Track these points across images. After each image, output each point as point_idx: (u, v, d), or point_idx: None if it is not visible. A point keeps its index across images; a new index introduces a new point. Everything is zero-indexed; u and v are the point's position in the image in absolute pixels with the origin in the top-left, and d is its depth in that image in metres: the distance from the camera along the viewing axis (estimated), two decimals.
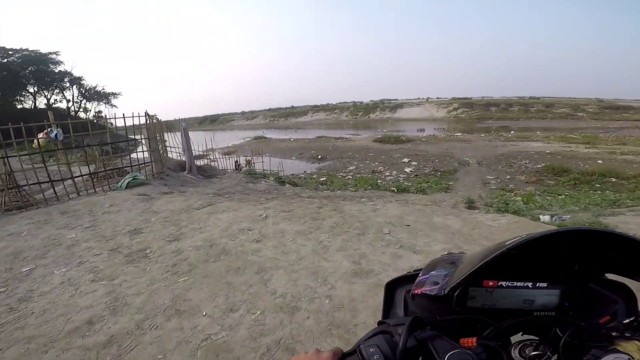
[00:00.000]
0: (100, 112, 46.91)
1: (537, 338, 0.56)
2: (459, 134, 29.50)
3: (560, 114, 53.39)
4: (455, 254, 0.71)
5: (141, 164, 8.38)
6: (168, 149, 13.07)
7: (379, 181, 12.52)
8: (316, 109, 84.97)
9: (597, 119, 48.42)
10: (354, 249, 3.69)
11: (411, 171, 14.74)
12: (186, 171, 10.38)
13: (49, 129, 7.12)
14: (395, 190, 10.24)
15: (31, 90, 42.57)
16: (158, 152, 8.52)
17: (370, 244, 3.81)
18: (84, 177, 7.15)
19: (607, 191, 10.02)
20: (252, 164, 14.59)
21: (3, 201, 6.42)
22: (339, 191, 10.10)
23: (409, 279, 0.69)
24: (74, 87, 45.05)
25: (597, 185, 10.96)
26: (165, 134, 12.07)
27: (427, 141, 23.52)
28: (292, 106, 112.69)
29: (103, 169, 8.07)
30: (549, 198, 9.39)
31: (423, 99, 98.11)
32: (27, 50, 40.52)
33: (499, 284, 0.55)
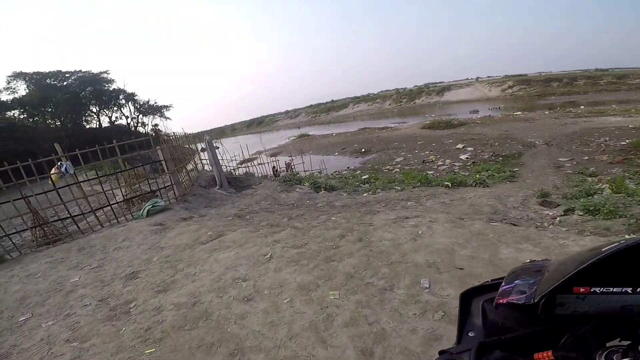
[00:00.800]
0: (156, 125, 49.98)
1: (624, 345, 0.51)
2: (519, 112, 26.37)
3: (637, 85, 46.12)
4: (539, 261, 0.70)
5: (165, 187, 8.04)
6: (205, 162, 13.11)
7: (429, 173, 11.22)
8: (356, 100, 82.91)
9: None
10: (369, 322, 2.52)
11: (467, 158, 13.17)
12: (217, 187, 10.02)
13: (59, 163, 6.95)
14: (450, 184, 8.92)
15: (94, 109, 46.48)
16: (176, 174, 8.11)
17: (397, 312, 2.58)
18: (112, 206, 7.14)
19: None
20: (293, 167, 14.01)
21: (35, 237, 6.63)
22: (381, 192, 9.02)
23: (486, 288, 0.71)
24: (129, 103, 48.39)
25: None
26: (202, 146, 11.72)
27: (483, 123, 21.24)
28: (332, 100, 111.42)
29: (131, 195, 8.08)
30: None
31: (472, 79, 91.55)
32: (80, 71, 43.50)
33: (592, 290, 0.51)
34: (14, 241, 6.33)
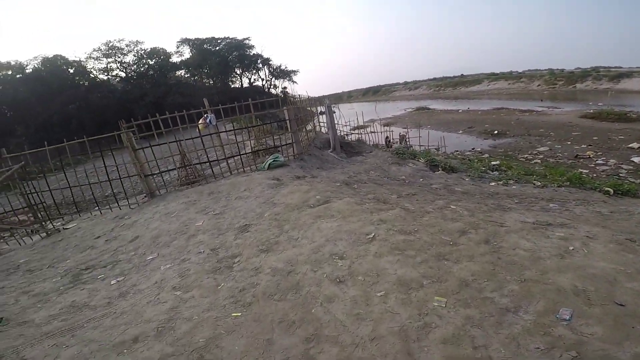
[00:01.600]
0: (285, 87, 55.26)
1: None
2: None
3: None
4: None
5: (285, 144, 8.56)
6: (322, 124, 13.37)
7: (583, 172, 8.94)
8: (494, 77, 72.08)
9: None
10: (475, 345, 1.98)
11: None
12: (330, 149, 10.13)
13: (205, 115, 7.84)
14: (612, 191, 6.91)
15: (238, 72, 53.89)
16: (297, 133, 8.57)
17: (515, 340, 1.98)
18: (241, 156, 7.88)
19: None
20: (407, 139, 13.08)
21: (180, 177, 7.78)
22: (515, 184, 7.56)
23: None
24: (265, 67, 54.50)
25: None
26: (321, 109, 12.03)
27: None
28: (462, 75, 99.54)
29: (258, 148, 8.71)
30: None
31: None
32: (229, 38, 50.89)
33: None
34: (164, 178, 7.60)
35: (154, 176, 7.37)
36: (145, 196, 7.26)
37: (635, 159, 10.26)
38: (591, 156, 10.94)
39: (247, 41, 51.54)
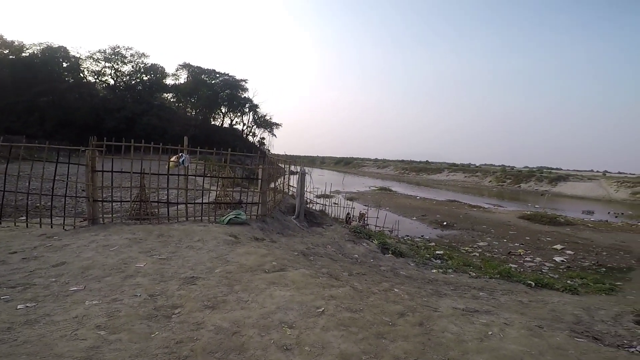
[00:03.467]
0: (264, 139, 55.10)
1: None
2: None
3: None
4: None
5: (250, 202, 8.58)
6: (292, 188, 13.83)
7: (512, 266, 10.19)
8: (454, 168, 79.11)
9: None
10: None
11: (563, 261, 11.57)
12: (294, 216, 10.48)
13: (180, 154, 7.73)
14: (533, 284, 8.02)
15: (223, 110, 53.00)
16: (266, 194, 8.61)
17: None
18: (203, 204, 7.64)
19: None
20: (366, 219, 14.16)
21: (131, 209, 7.27)
22: (453, 273, 8.52)
23: None
24: (251, 113, 53.90)
25: None
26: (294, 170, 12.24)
27: (595, 228, 18.32)
28: (427, 161, 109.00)
29: (222, 200, 8.58)
30: None
31: (598, 172, 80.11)
32: (227, 74, 50.86)
33: None
34: (113, 206, 6.94)
35: (104, 203, 6.86)
36: (84, 220, 6.62)
37: (557, 259, 11.81)
38: (521, 254, 12.38)
39: (243, 82, 51.21)
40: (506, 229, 16.76)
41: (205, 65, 64.33)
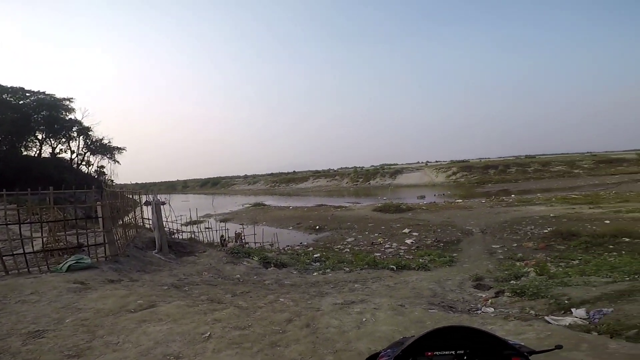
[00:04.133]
0: (102, 167, 44.81)
1: None
2: (460, 200, 29.07)
3: (557, 172, 53.74)
4: (406, 337, 1.16)
5: (95, 244, 7.64)
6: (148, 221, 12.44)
7: (377, 255, 11.78)
8: (317, 174, 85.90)
9: (593, 174, 48.97)
10: None
11: (412, 242, 14.01)
12: (155, 250, 9.66)
13: None
14: (395, 267, 9.44)
15: (39, 136, 40.84)
16: (112, 232, 7.74)
17: None
18: (26, 255, 6.53)
19: (623, 252, 9.36)
20: (243, 237, 13.93)
21: None
22: (331, 273, 9.26)
23: (379, 354, 1.09)
24: (81, 137, 43.18)
25: (611, 246, 10.29)
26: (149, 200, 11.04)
27: (428, 209, 22.99)
28: (294, 171, 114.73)
29: (53, 247, 7.47)
30: (562, 265, 8.68)
31: (422, 163, 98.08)
32: (43, 93, 40.01)
33: (434, 353, 0.97)
34: None
35: None
36: None
37: (408, 241, 14.25)
38: (381, 242, 14.46)
39: (67, 102, 41.00)
40: (366, 223, 19.20)
41: (13, 82, 50.15)
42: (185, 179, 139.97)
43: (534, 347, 1.00)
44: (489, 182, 51.27)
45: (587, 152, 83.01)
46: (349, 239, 15.62)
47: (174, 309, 4.50)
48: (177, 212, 14.66)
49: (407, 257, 11.73)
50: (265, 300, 5.34)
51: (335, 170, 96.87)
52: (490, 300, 5.76)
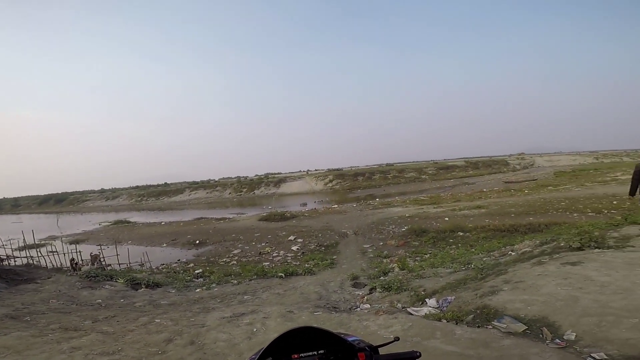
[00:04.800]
0: None
1: None
2: (336, 205, 31.45)
3: (409, 178, 63.98)
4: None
5: None
6: None
7: (265, 264, 11.67)
8: (194, 186, 79.85)
9: (435, 179, 59.76)
10: None
11: (298, 249, 14.40)
12: None
13: None
14: (283, 275, 9.50)
15: None
16: None
17: None
18: None
19: (459, 244, 11.37)
20: (101, 260, 11.84)
21: None
22: (217, 287, 8.72)
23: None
24: None
25: (451, 240, 12.39)
26: None
27: (310, 216, 24.03)
28: (165, 183, 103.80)
29: None
30: (418, 259, 10.04)
31: (303, 171, 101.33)
32: None
33: (300, 355, 1.05)
34: None
35: None
36: None
37: (294, 248, 14.57)
38: (269, 251, 14.41)
39: None
40: (252, 233, 18.85)
41: None
42: (17, 196, 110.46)
43: (400, 338, 1.10)
44: (358, 188, 57.11)
45: (431, 160, 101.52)
46: (235, 251, 15.02)
47: (13, 340, 3.95)
48: (6, 236, 12.44)
49: (294, 263, 11.97)
50: (136, 323, 4.83)
51: (216, 181, 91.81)
52: (365, 298, 6.26)
